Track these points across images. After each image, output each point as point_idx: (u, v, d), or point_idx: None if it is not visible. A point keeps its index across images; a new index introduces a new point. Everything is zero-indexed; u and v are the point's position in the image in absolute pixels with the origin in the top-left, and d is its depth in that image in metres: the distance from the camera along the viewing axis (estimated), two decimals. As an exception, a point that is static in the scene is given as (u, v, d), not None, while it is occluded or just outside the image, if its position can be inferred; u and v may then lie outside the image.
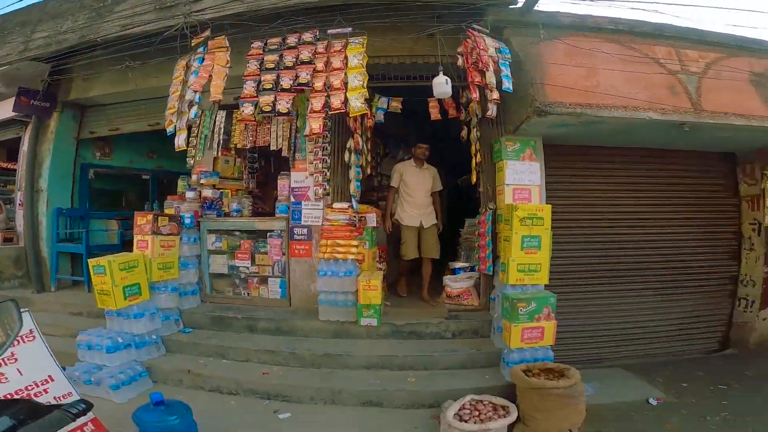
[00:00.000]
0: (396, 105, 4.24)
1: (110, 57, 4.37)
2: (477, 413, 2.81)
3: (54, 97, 5.27)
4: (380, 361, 3.52)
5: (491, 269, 3.86)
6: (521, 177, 3.73)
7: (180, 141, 3.76)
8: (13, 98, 5.08)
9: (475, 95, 3.39)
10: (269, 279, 4.51)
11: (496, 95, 3.28)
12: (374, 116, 4.24)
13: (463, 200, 5.24)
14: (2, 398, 0.91)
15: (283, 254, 4.42)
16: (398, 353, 3.57)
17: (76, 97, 5.32)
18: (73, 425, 2.23)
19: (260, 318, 4.10)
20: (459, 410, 2.84)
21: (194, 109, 3.68)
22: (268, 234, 4.47)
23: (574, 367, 2.98)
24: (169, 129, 3.77)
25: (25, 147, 5.46)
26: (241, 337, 3.99)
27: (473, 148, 4.08)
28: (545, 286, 3.44)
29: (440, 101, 4.12)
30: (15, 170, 6.17)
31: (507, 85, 3.29)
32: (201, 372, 3.50)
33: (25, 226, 5.38)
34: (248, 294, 4.62)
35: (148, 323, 3.72)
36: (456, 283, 4.29)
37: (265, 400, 3.31)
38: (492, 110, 3.41)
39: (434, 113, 4.15)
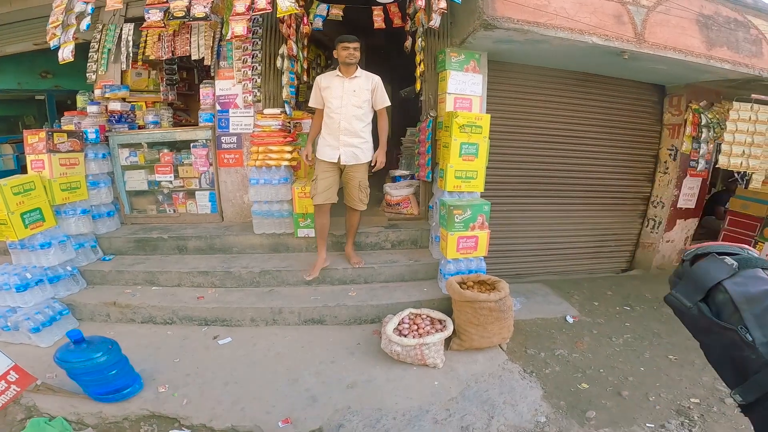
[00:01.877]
0: (337, 12, 3.84)
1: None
2: (416, 327, 2.87)
3: None
4: (320, 275, 3.47)
5: (430, 176, 3.88)
6: (463, 87, 3.68)
7: (65, 54, 3.34)
8: None
9: (421, 2, 3.18)
10: (197, 192, 4.24)
11: (442, 4, 3.11)
12: (311, 23, 3.84)
13: (405, 110, 4.89)
14: None
15: (211, 165, 4.13)
16: (338, 266, 3.54)
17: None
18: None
19: (190, 236, 3.85)
20: (398, 324, 2.90)
21: (86, 20, 3.24)
22: (192, 144, 4.11)
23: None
24: (53, 42, 3.37)
25: None
26: (170, 259, 3.75)
27: (417, 57, 3.92)
28: (480, 195, 3.50)
29: (385, 10, 3.84)
30: None
31: None
32: (129, 303, 3.26)
33: None
34: (174, 211, 4.32)
35: (59, 253, 3.33)
36: (396, 191, 4.26)
37: (204, 326, 3.22)
38: (436, 21, 3.27)
39: (378, 22, 3.85)
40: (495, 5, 3.11)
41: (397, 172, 4.49)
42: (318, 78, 3.32)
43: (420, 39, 3.82)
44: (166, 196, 4.33)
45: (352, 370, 2.72)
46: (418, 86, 4.02)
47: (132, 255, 3.84)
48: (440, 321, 3.00)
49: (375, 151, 3.39)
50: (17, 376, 2.18)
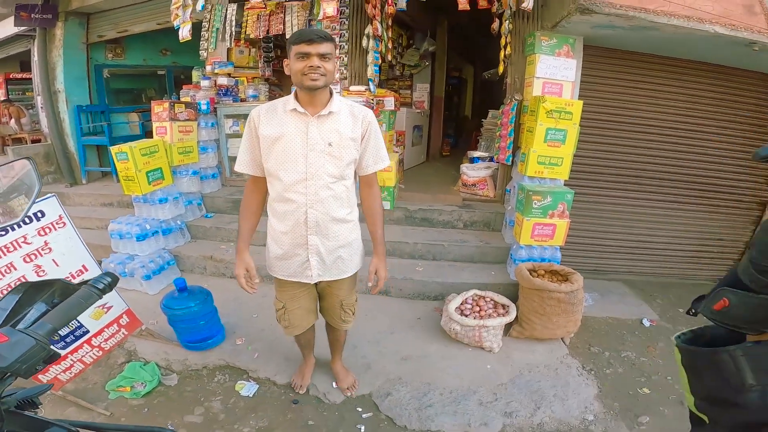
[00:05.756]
0: None
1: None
2: (478, 309, 2.91)
3: (54, 9, 5.35)
4: (390, 247, 3.54)
5: (510, 159, 3.83)
6: (554, 72, 3.50)
7: (184, 32, 3.78)
8: (13, 17, 5.24)
9: (509, -17, 3.06)
10: (286, 158, 4.64)
11: (535, -15, 2.98)
12: (396, 4, 3.85)
13: (488, 93, 4.80)
14: (38, 281, 0.93)
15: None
16: (409, 240, 3.64)
17: (78, 6, 5.28)
18: (108, 318, 2.28)
19: (276, 200, 4.22)
20: (461, 304, 2.94)
21: (200, 1, 3.62)
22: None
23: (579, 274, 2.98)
24: (176, 22, 3.79)
25: (35, 57, 5.69)
26: (260, 220, 4.09)
27: (503, 40, 3.79)
28: (564, 183, 3.39)
29: (469, -9, 3.72)
30: (30, 79, 6.71)
31: None
32: (223, 258, 3.69)
33: (49, 125, 5.74)
34: (266, 175, 4.74)
35: (173, 208, 3.87)
36: (473, 172, 4.28)
37: (278, 288, 3.52)
38: (528, 2, 3.18)
39: (462, 3, 3.72)
40: (593, -13, 2.88)
41: (476, 153, 4.53)
42: (253, 113, 1.76)
43: (507, 21, 3.70)
44: (259, 163, 4.78)
45: (409, 344, 2.83)
46: (501, 69, 3.92)
47: (229, 214, 4.31)
48: (504, 306, 3.00)
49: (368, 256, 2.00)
50: (128, 320, 2.35)
